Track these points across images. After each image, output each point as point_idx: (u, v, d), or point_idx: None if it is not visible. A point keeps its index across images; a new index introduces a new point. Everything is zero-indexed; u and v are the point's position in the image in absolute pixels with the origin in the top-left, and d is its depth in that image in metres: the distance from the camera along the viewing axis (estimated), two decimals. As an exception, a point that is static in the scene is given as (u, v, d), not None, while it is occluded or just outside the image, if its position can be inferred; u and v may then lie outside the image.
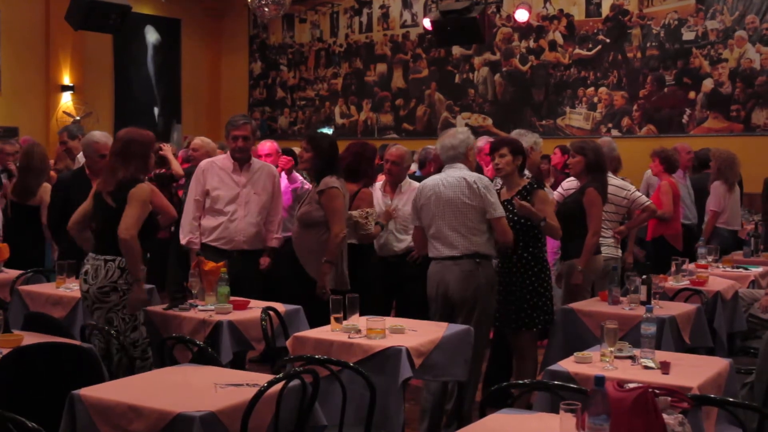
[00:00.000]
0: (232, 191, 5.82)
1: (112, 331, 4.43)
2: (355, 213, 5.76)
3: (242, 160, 5.87)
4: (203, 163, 6.08)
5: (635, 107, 12.50)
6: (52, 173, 7.92)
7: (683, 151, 8.96)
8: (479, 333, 5.00)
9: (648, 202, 6.49)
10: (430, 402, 5.01)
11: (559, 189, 6.72)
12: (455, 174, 5.16)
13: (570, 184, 6.68)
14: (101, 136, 6.49)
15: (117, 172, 4.71)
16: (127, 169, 4.70)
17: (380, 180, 6.58)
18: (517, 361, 5.45)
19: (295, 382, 3.44)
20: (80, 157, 7.51)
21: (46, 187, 7.27)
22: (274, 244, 5.98)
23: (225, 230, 5.79)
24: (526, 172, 5.73)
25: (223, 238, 5.79)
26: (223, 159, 5.97)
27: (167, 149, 7.60)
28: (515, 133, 6.26)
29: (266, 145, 7.21)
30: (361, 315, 4.50)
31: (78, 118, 13.76)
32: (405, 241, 6.23)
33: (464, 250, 5.07)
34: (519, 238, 5.27)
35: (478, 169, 7.44)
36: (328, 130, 14.70)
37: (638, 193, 6.48)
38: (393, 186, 6.37)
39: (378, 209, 6.11)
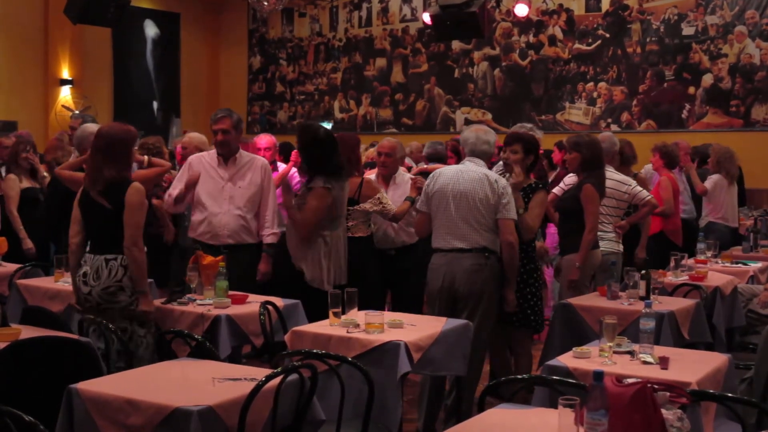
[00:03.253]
0: (216, 185, 5.77)
1: (110, 326, 4.41)
2: (367, 206, 5.74)
3: (226, 154, 5.81)
4: (192, 157, 6.03)
5: (635, 102, 12.49)
6: (43, 166, 7.93)
7: (683, 149, 8.96)
8: (481, 330, 4.99)
9: (649, 197, 6.48)
10: (428, 397, 5.01)
11: (561, 184, 6.70)
12: (477, 169, 5.14)
13: (571, 179, 6.67)
14: (96, 127, 6.50)
15: (102, 170, 4.64)
16: (112, 168, 4.64)
17: (372, 173, 6.55)
18: (517, 359, 5.46)
19: (294, 376, 3.43)
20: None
21: (8, 178, 7.34)
22: (270, 240, 5.83)
23: (209, 225, 5.73)
24: None
25: (208, 233, 5.73)
26: (212, 153, 5.90)
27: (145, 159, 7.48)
28: (517, 127, 6.26)
29: (264, 139, 7.16)
30: (359, 309, 4.50)
31: (77, 112, 13.73)
32: (402, 233, 6.25)
33: (474, 244, 5.04)
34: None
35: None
36: (327, 125, 14.69)
37: (639, 188, 6.46)
38: (386, 179, 6.37)
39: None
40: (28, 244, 7.25)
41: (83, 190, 4.75)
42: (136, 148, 5.63)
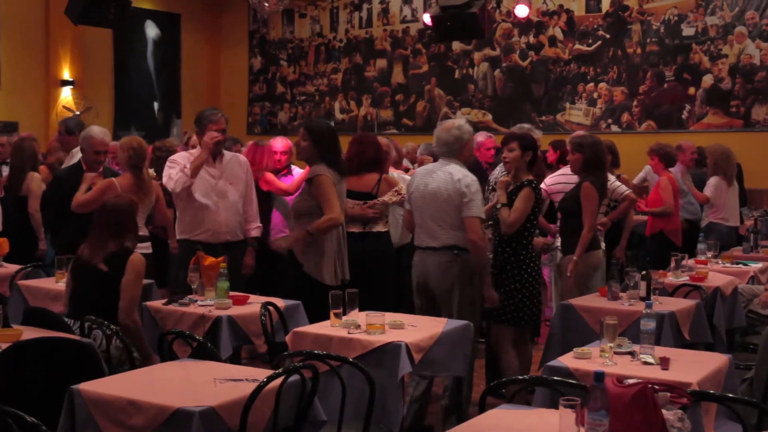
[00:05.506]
0: (208, 184, 5.80)
1: (112, 327, 4.41)
2: (386, 198, 5.82)
3: (218, 153, 5.85)
4: (182, 154, 6.03)
5: (635, 103, 12.49)
6: (43, 167, 7.95)
7: (688, 150, 8.96)
8: None
9: (628, 191, 6.51)
10: (415, 397, 5.05)
11: (542, 185, 6.68)
12: (445, 168, 5.27)
13: (553, 179, 6.68)
14: (99, 131, 6.46)
15: (107, 245, 4.57)
16: (119, 242, 4.59)
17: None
18: (499, 355, 5.47)
19: (295, 377, 3.44)
20: (75, 152, 7.52)
21: (32, 176, 7.34)
22: (256, 234, 6.00)
23: (209, 223, 5.76)
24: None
25: (207, 231, 5.76)
26: (198, 152, 5.85)
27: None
28: (517, 128, 6.27)
29: (280, 143, 7.11)
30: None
31: (78, 113, 13.74)
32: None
33: (443, 242, 5.19)
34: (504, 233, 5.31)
35: (477, 164, 7.48)
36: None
37: (618, 183, 6.49)
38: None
39: None
40: (44, 245, 7.29)
41: (78, 262, 4.64)
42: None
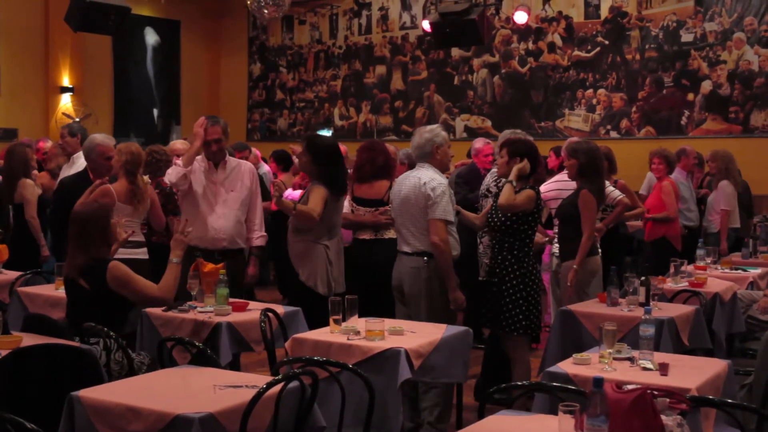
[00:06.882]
0: (208, 190, 5.80)
1: (111, 333, 4.42)
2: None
3: (218, 160, 5.85)
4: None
5: (634, 109, 12.50)
6: (44, 173, 7.95)
7: (691, 155, 8.97)
8: None
9: (621, 196, 6.52)
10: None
11: None
12: (415, 173, 5.37)
13: (548, 186, 6.68)
14: (103, 138, 6.49)
15: (75, 257, 4.50)
16: (86, 253, 4.48)
17: None
18: (510, 364, 5.47)
19: (294, 383, 3.44)
20: (76, 158, 7.52)
21: (25, 183, 7.33)
22: (259, 243, 5.97)
23: (207, 229, 5.74)
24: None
25: (205, 238, 5.73)
26: (200, 159, 5.89)
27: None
28: (506, 133, 6.28)
29: None
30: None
31: (77, 119, 13.75)
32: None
33: (414, 248, 5.28)
34: (504, 239, 5.31)
35: (475, 170, 7.48)
36: (327, 132, 14.72)
37: (611, 188, 6.50)
38: None
39: None
40: (47, 251, 7.29)
41: (66, 279, 4.62)
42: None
